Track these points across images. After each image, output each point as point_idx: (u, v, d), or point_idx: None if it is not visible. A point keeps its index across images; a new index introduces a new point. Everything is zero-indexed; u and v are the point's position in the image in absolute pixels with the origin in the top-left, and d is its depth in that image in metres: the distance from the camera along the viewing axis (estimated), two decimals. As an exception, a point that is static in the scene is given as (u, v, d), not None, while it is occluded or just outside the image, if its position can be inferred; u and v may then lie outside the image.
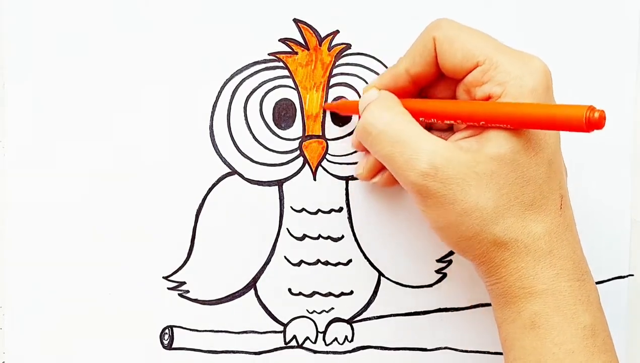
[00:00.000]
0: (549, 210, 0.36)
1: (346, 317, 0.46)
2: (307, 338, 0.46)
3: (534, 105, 0.35)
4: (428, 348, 0.46)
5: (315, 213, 0.45)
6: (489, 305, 0.46)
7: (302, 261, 0.45)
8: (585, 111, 0.32)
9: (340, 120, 0.45)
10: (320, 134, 0.45)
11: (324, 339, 0.46)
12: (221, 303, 0.45)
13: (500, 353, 0.47)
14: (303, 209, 0.45)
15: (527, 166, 0.35)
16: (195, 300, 0.45)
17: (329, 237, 0.45)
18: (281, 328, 0.45)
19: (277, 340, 0.46)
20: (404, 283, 0.46)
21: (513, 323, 0.36)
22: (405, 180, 0.36)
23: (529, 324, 0.36)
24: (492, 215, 0.35)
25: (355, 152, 0.45)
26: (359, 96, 0.45)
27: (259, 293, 0.45)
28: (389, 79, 0.40)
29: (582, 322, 0.35)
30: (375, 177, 0.42)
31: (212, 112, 0.44)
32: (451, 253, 0.46)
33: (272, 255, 0.45)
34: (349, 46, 0.45)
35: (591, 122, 0.32)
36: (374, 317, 0.46)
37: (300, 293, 0.45)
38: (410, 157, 0.36)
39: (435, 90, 0.41)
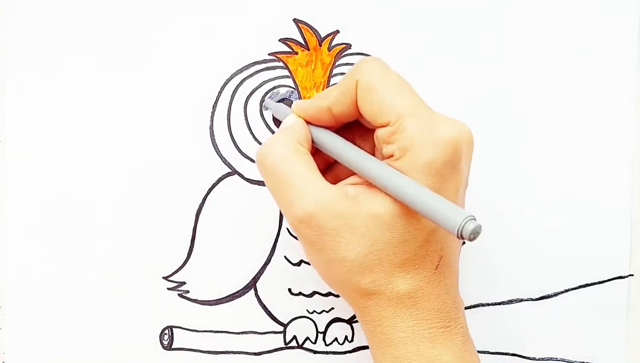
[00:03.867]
0: (421, 269, 0.36)
1: (346, 317, 0.46)
2: (307, 338, 0.46)
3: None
4: (428, 348, 0.46)
5: (315, 213, 0.45)
6: (489, 305, 0.46)
7: (302, 261, 0.45)
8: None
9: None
10: (320, 134, 0.45)
11: (324, 339, 0.46)
12: (221, 303, 0.45)
13: (501, 353, 0.47)
14: (303, 209, 0.45)
15: (405, 230, 0.35)
16: (195, 300, 0.45)
17: (329, 237, 0.45)
18: (281, 328, 0.45)
19: (277, 341, 0.45)
20: (404, 283, 0.46)
21: None
22: (285, 218, 0.37)
23: None
24: (359, 269, 0.35)
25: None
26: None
27: (259, 293, 0.45)
28: (312, 111, 0.39)
29: (444, 362, 0.36)
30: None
31: (212, 112, 0.44)
32: (451, 253, 0.46)
33: (272, 255, 0.45)
34: (349, 46, 0.45)
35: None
36: (374, 317, 0.46)
37: (300, 293, 0.45)
38: (289, 199, 0.35)
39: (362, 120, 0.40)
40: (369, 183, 0.36)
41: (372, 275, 0.35)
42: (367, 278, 0.35)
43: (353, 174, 0.38)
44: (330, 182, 0.36)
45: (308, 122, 0.39)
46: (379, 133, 0.36)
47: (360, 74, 0.37)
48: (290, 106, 0.43)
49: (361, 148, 0.39)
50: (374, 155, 0.39)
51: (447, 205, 0.32)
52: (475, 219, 0.32)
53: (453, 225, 0.32)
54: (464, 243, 0.33)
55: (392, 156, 0.36)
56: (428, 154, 0.35)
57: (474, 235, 0.31)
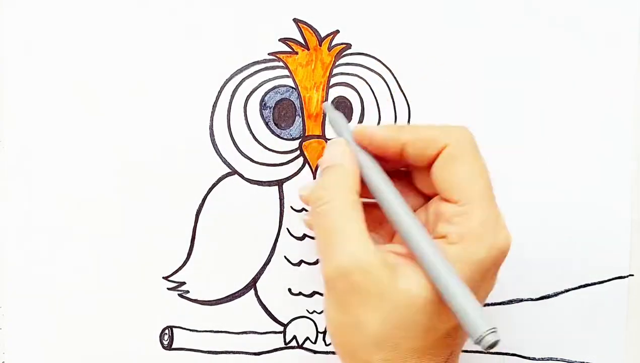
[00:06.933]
0: (432, 360, 0.35)
1: (346, 317, 0.46)
2: (307, 338, 0.46)
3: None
4: (428, 348, 0.46)
5: (315, 213, 0.45)
6: (489, 305, 0.46)
7: (302, 261, 0.45)
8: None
9: (340, 120, 0.45)
10: (320, 134, 0.45)
11: (324, 339, 0.46)
12: (221, 303, 0.45)
13: (501, 353, 0.47)
14: (303, 209, 0.45)
15: (432, 318, 0.35)
16: (195, 300, 0.45)
17: (329, 237, 0.45)
18: (281, 328, 0.45)
19: (277, 341, 0.45)
20: (404, 283, 0.46)
21: None
22: (321, 266, 0.36)
23: None
24: (375, 343, 0.35)
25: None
26: (359, 96, 0.45)
27: (259, 293, 0.45)
28: (380, 140, 0.37)
29: None
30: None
31: (212, 112, 0.44)
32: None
33: (272, 255, 0.45)
34: (349, 46, 0.45)
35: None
36: (374, 317, 0.46)
37: (300, 293, 0.45)
38: (332, 249, 0.35)
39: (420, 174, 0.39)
40: (411, 256, 0.36)
41: (386, 354, 0.35)
42: (380, 355, 0.35)
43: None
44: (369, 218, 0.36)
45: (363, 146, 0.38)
46: (442, 207, 0.36)
47: (453, 140, 0.36)
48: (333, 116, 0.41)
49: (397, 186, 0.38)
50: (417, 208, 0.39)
51: (479, 312, 0.33)
52: (496, 332, 0.32)
53: (475, 331, 0.32)
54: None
55: (445, 237, 0.35)
56: (483, 252, 0.34)
57: (490, 347, 0.32)
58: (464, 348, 0.46)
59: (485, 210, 0.35)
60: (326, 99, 0.44)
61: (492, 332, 0.32)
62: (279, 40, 0.44)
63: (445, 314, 0.34)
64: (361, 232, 0.35)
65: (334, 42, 0.44)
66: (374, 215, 0.39)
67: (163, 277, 0.44)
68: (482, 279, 0.35)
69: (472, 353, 0.46)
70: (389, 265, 0.35)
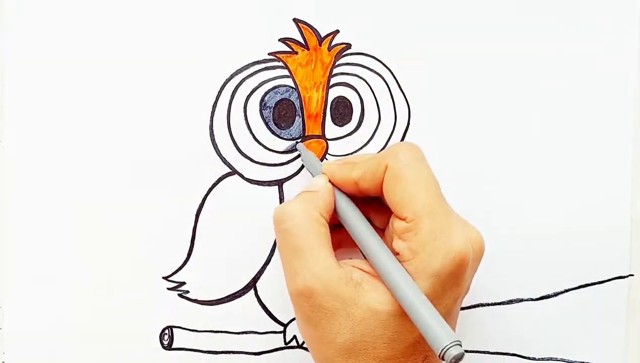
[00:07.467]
0: None
1: (346, 317, 0.46)
2: (307, 338, 0.46)
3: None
4: (428, 348, 0.46)
5: (315, 213, 0.45)
6: (488, 305, 0.46)
7: (302, 261, 0.45)
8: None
9: (341, 120, 0.45)
10: (320, 134, 0.45)
11: (324, 339, 0.46)
12: (221, 303, 0.45)
13: (501, 353, 0.47)
14: (303, 209, 0.45)
15: (397, 329, 0.35)
16: (195, 301, 0.45)
17: (329, 237, 0.45)
18: (281, 328, 0.45)
19: (277, 340, 0.45)
20: (404, 283, 0.46)
21: None
22: (286, 285, 0.37)
23: None
24: (345, 352, 0.36)
25: (354, 152, 0.45)
26: (359, 96, 0.45)
27: (259, 293, 0.45)
28: (340, 178, 0.39)
29: None
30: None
31: (212, 112, 0.44)
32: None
33: (272, 255, 0.45)
34: (349, 46, 0.45)
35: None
36: (374, 317, 0.46)
37: (300, 294, 0.45)
38: (296, 269, 0.36)
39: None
40: (375, 274, 0.37)
41: (356, 362, 0.36)
42: (352, 362, 0.36)
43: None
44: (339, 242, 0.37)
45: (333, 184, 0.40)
46: (395, 224, 0.37)
47: (392, 159, 0.37)
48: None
49: (375, 218, 0.40)
50: (385, 228, 0.39)
51: (440, 325, 0.34)
52: (460, 345, 0.33)
53: (438, 345, 0.33)
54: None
55: (398, 254, 0.36)
56: (436, 264, 0.35)
57: (455, 360, 0.33)
58: (466, 349, 0.47)
59: (432, 222, 0.35)
60: (326, 99, 0.44)
61: (455, 344, 0.33)
62: (279, 40, 0.44)
63: (410, 325, 0.35)
64: (326, 249, 0.36)
65: (334, 42, 0.44)
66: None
67: (163, 277, 0.44)
68: (444, 289, 0.36)
69: (472, 353, 0.46)
70: (353, 282, 0.36)
